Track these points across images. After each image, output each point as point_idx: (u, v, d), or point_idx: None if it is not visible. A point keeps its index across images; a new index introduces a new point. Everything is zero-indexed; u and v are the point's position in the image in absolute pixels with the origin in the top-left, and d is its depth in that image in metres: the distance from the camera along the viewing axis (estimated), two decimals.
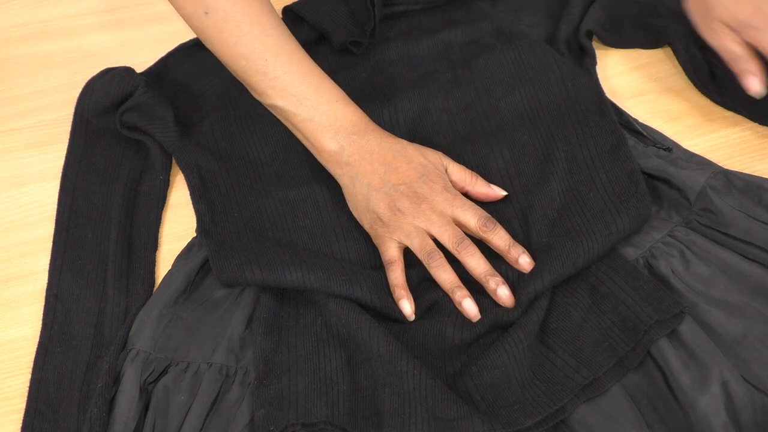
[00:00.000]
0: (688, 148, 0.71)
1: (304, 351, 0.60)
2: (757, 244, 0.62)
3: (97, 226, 0.71)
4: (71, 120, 0.79)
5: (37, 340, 0.65)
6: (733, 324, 0.59)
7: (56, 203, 0.73)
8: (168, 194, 0.76)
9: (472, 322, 0.61)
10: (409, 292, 0.63)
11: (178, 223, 0.74)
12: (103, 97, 0.79)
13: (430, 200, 0.65)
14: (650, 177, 0.69)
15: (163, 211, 0.75)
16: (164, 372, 0.61)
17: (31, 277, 0.70)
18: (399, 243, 0.65)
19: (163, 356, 0.62)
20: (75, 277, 0.69)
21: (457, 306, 0.62)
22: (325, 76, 0.70)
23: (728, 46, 0.69)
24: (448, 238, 0.63)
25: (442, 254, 0.63)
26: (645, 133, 0.72)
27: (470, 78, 0.77)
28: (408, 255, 0.66)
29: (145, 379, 0.60)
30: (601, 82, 0.76)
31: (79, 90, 0.80)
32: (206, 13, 0.68)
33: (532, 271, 0.62)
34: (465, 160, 0.71)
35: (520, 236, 0.66)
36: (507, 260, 0.64)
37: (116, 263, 0.69)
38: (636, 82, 0.79)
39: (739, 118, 0.75)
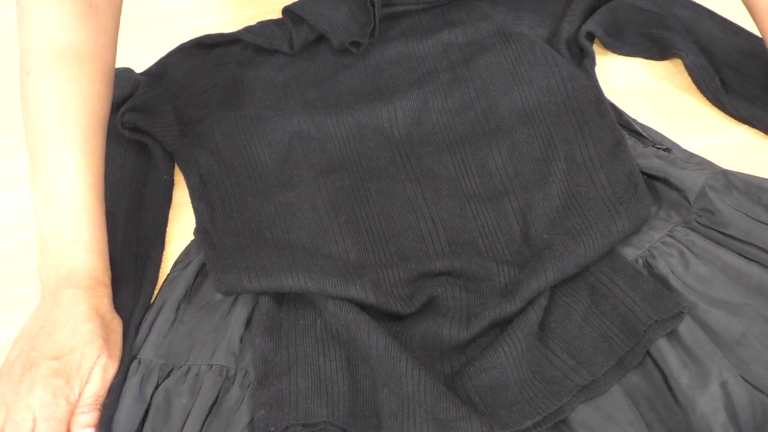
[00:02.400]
0: (688, 148, 0.71)
1: (304, 352, 0.60)
2: (756, 244, 0.62)
3: None
4: None
5: None
6: (732, 324, 0.59)
7: None
8: None
9: (470, 321, 0.61)
10: None
11: (179, 223, 0.74)
12: None
13: (29, 381, 0.57)
14: (649, 177, 0.69)
15: None
16: (167, 377, 0.61)
17: (31, 277, 0.70)
18: None
19: (165, 362, 0.62)
20: None
21: None
22: (95, 207, 0.64)
23: None
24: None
25: None
26: (644, 134, 0.72)
27: (470, 78, 0.77)
28: (395, 252, 0.66)
29: (155, 387, 0.60)
30: (600, 83, 0.76)
31: None
32: (28, 73, 0.64)
33: (533, 267, 0.62)
34: (464, 160, 0.72)
35: (518, 233, 0.67)
36: None
37: (123, 265, 0.69)
38: (636, 82, 0.79)
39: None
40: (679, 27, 0.79)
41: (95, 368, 0.60)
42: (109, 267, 0.65)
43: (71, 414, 0.58)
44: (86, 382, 0.59)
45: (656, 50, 0.80)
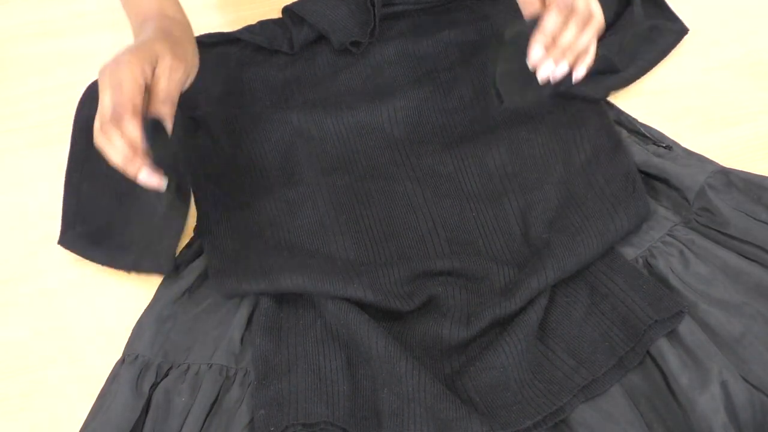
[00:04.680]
0: (689, 148, 0.71)
1: (304, 351, 0.60)
2: (756, 244, 0.62)
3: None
4: (72, 120, 0.79)
5: (37, 339, 0.66)
6: (732, 323, 0.59)
7: (57, 203, 0.73)
8: None
9: (470, 320, 0.61)
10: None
11: None
12: None
13: (122, 59, 0.62)
14: (649, 176, 0.69)
15: None
16: (166, 375, 0.61)
17: (31, 277, 0.70)
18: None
19: (164, 359, 0.62)
20: None
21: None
22: None
23: None
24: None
25: (109, 123, 0.60)
26: (645, 132, 0.72)
27: (469, 78, 0.77)
28: (395, 252, 0.66)
29: (152, 384, 0.60)
30: None
31: (79, 90, 0.80)
32: None
33: (533, 266, 0.62)
34: (463, 159, 0.72)
35: (518, 233, 0.67)
36: None
37: None
38: (636, 82, 0.79)
39: (739, 117, 0.75)
40: None
41: (162, 65, 0.64)
42: (179, 8, 0.74)
43: (141, 73, 0.62)
44: (156, 80, 0.64)
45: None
